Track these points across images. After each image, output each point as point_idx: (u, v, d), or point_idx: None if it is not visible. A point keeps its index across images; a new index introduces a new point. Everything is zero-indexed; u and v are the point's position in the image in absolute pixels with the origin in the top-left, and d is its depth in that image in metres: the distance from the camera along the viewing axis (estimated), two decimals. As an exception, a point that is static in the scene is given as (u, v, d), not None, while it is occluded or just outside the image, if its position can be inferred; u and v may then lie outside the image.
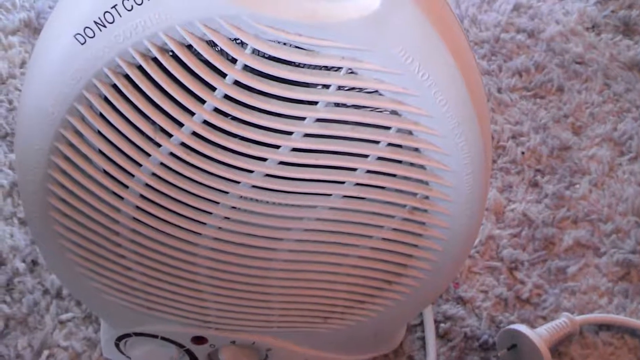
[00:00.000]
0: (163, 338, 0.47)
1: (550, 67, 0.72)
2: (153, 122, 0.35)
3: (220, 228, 0.39)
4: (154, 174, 0.36)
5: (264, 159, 0.36)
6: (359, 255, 0.40)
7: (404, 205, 0.38)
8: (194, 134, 0.35)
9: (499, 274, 0.61)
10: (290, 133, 0.35)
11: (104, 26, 0.32)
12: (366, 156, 0.36)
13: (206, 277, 0.41)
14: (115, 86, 0.34)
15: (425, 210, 0.38)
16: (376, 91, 0.34)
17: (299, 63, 0.33)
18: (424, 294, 0.43)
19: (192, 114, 0.34)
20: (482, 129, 0.35)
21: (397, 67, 0.32)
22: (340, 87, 0.34)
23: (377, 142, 0.35)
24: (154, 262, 0.40)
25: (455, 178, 0.37)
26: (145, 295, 0.42)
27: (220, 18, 0.31)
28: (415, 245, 0.40)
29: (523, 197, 0.65)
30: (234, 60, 0.33)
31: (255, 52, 0.32)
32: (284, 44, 0.32)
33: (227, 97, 0.34)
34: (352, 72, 0.33)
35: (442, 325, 0.57)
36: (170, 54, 0.33)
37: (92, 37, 0.32)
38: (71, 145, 0.36)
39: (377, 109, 0.35)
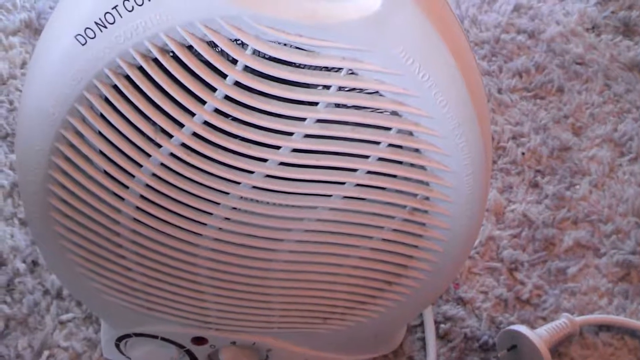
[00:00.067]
0: (163, 338, 0.47)
1: (550, 68, 0.72)
2: (154, 123, 0.35)
3: (220, 229, 0.39)
4: (154, 175, 0.36)
5: (265, 160, 0.36)
6: (359, 256, 0.40)
7: (404, 206, 0.38)
8: (195, 134, 0.35)
9: (499, 275, 0.61)
10: (290, 134, 0.35)
11: (105, 27, 0.32)
12: (366, 157, 0.36)
13: (207, 278, 0.41)
14: (115, 87, 0.34)
15: (426, 211, 0.38)
16: (376, 92, 0.34)
17: (300, 64, 0.33)
18: (424, 294, 0.43)
19: (193, 114, 0.34)
20: (482, 130, 0.35)
21: (397, 68, 0.33)
22: (340, 88, 0.34)
23: (378, 143, 0.35)
24: (155, 263, 0.40)
25: (455, 179, 0.37)
26: (146, 295, 0.42)
27: (220, 19, 0.31)
28: (416, 246, 0.40)
29: (523, 197, 0.65)
30: (234, 61, 0.33)
31: (256, 53, 0.32)
32: (285, 44, 0.32)
33: (227, 97, 0.34)
34: (352, 73, 0.33)
35: (442, 326, 0.57)
36: (171, 54, 0.33)
37: (92, 38, 0.32)
38: (72, 145, 0.36)
39: (378, 109, 0.35)
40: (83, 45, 0.32)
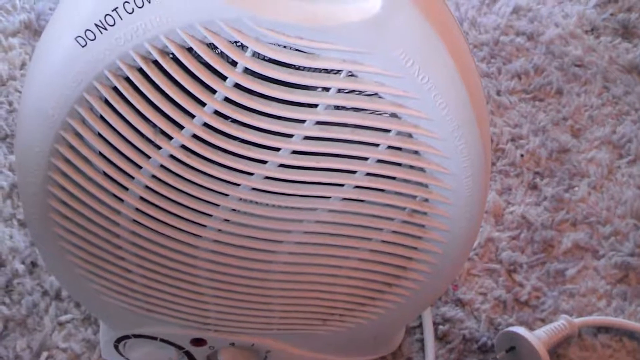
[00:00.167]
0: (162, 340, 0.47)
1: (549, 70, 0.72)
2: (153, 125, 0.35)
3: (220, 230, 0.39)
4: (154, 176, 0.36)
5: (264, 162, 0.36)
6: (359, 257, 0.40)
7: (404, 208, 0.38)
8: (194, 136, 0.35)
9: (498, 277, 0.61)
10: (290, 135, 0.35)
11: (105, 29, 0.32)
12: (366, 159, 0.36)
13: (206, 279, 0.41)
14: (115, 89, 0.34)
15: (425, 213, 0.38)
16: (376, 94, 0.34)
17: (299, 66, 0.33)
18: (423, 296, 0.43)
19: (193, 116, 0.34)
20: (481, 132, 0.36)
21: (397, 70, 0.33)
22: (340, 90, 0.34)
23: (377, 145, 0.35)
24: (154, 264, 0.40)
25: (454, 181, 0.37)
26: (145, 297, 0.42)
27: (221, 21, 0.31)
28: (415, 248, 0.40)
29: (522, 199, 0.65)
30: (234, 63, 0.33)
31: (256, 55, 0.33)
32: (285, 47, 0.32)
33: (227, 99, 0.34)
34: (352, 75, 0.33)
35: (440, 327, 0.58)
36: (171, 56, 0.33)
37: (93, 40, 0.32)
38: (71, 147, 0.36)
39: (377, 111, 0.35)
40: (83, 47, 0.32)
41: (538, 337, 0.55)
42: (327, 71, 0.33)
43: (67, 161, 0.36)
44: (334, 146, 0.35)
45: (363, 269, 0.41)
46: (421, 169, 0.37)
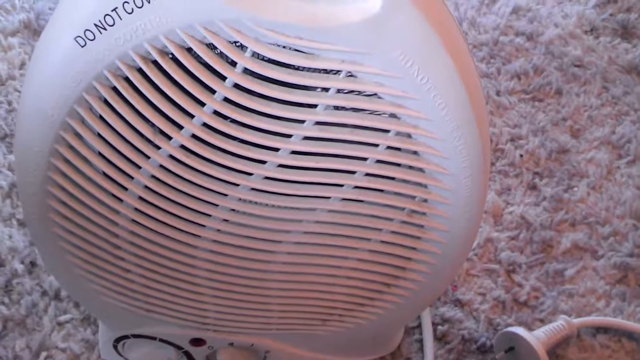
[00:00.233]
0: (161, 340, 0.47)
1: (548, 70, 0.72)
2: (153, 125, 0.35)
3: (219, 230, 0.39)
4: (153, 176, 0.36)
5: (263, 162, 0.36)
6: (358, 258, 0.40)
7: (403, 208, 0.38)
8: (194, 136, 0.35)
9: (497, 277, 0.61)
10: (289, 136, 0.35)
11: (105, 29, 0.32)
12: (365, 159, 0.36)
13: (205, 280, 0.41)
14: (115, 89, 0.34)
15: (424, 213, 0.38)
16: (375, 94, 0.34)
17: (299, 66, 0.33)
18: (422, 296, 0.43)
19: (192, 116, 0.34)
20: (480, 132, 0.36)
21: (396, 71, 0.33)
22: (339, 90, 0.34)
23: (376, 145, 0.35)
24: (153, 264, 0.40)
25: (453, 181, 0.37)
26: (144, 297, 0.42)
27: (220, 21, 0.31)
28: (414, 248, 0.40)
29: (521, 199, 0.65)
30: (233, 63, 0.33)
31: (255, 55, 0.33)
32: (284, 47, 0.32)
33: (226, 99, 0.34)
34: (351, 75, 0.33)
35: (439, 327, 0.58)
36: (170, 56, 0.33)
37: (92, 40, 0.32)
38: (71, 147, 0.36)
39: (376, 112, 0.35)
40: (82, 47, 0.32)
41: (537, 337, 0.55)
42: (326, 71, 0.33)
43: (67, 161, 0.36)
44: (333, 146, 0.35)
45: (362, 269, 0.41)
46: (420, 170, 0.37)
